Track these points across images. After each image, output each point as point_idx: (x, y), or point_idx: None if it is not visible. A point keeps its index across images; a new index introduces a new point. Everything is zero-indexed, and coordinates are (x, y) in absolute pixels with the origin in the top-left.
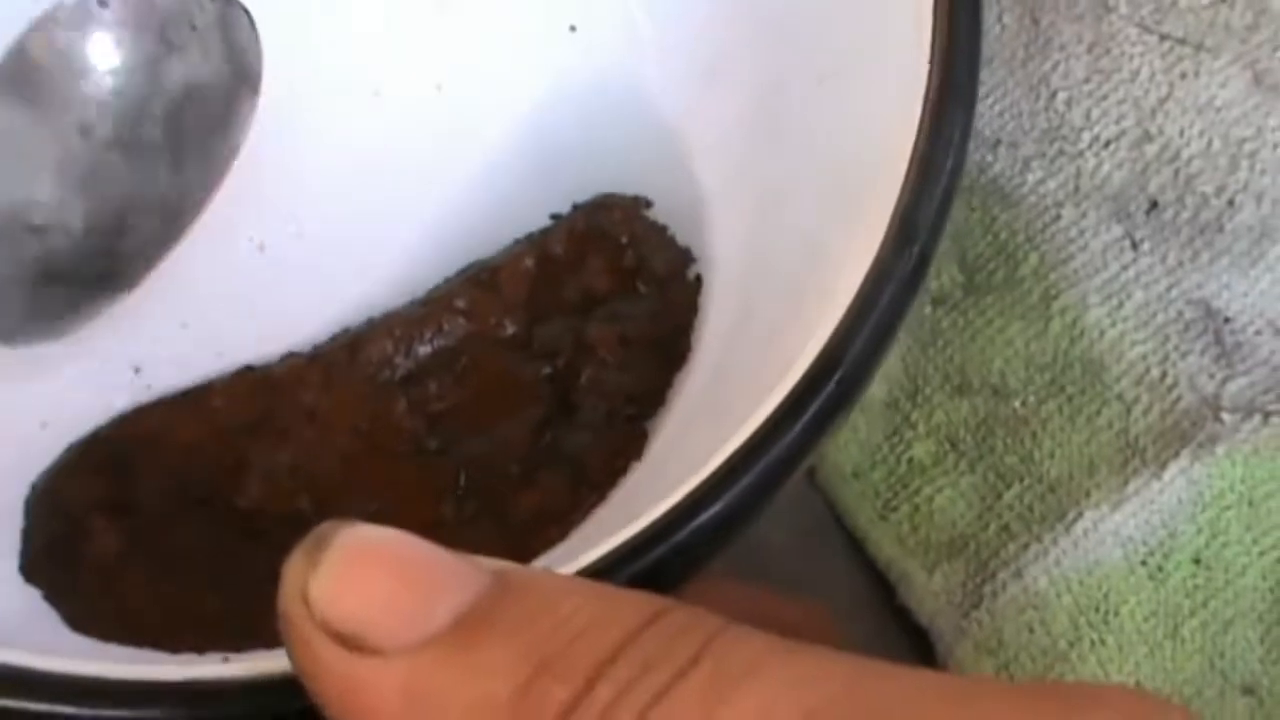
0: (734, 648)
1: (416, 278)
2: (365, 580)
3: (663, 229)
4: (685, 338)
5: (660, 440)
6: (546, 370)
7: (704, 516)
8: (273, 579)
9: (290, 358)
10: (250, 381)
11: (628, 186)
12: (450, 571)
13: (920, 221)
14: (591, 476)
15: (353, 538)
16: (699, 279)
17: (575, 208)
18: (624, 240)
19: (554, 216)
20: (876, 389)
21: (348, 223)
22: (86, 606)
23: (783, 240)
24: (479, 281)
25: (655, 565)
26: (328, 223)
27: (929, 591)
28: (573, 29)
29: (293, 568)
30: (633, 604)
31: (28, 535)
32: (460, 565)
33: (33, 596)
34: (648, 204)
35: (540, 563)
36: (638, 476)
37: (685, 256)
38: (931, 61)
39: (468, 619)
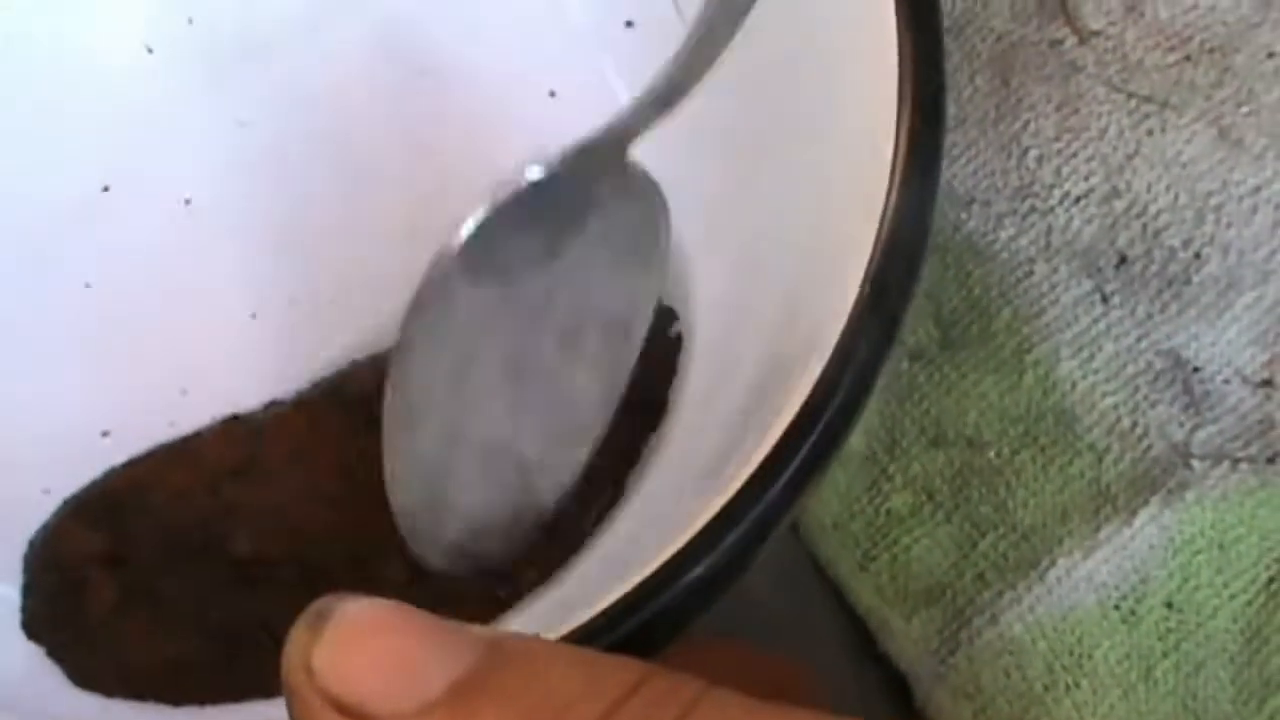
0: (716, 713)
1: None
2: (364, 652)
3: None
4: (663, 395)
5: (641, 495)
6: None
7: (688, 577)
8: (266, 627)
9: (273, 405)
10: (236, 429)
11: None
12: (445, 641)
13: (890, 284)
14: (569, 527)
15: (352, 610)
16: (679, 337)
17: None
18: None
19: None
20: (855, 442)
21: (336, 286)
22: (88, 662)
23: (760, 300)
24: None
25: (642, 626)
26: (320, 289)
27: (907, 639)
28: (552, 94)
29: (295, 640)
30: (618, 671)
31: (27, 592)
32: (454, 635)
33: (36, 654)
34: None
35: (531, 611)
36: (620, 530)
37: (667, 315)
38: (898, 128)
39: (462, 688)
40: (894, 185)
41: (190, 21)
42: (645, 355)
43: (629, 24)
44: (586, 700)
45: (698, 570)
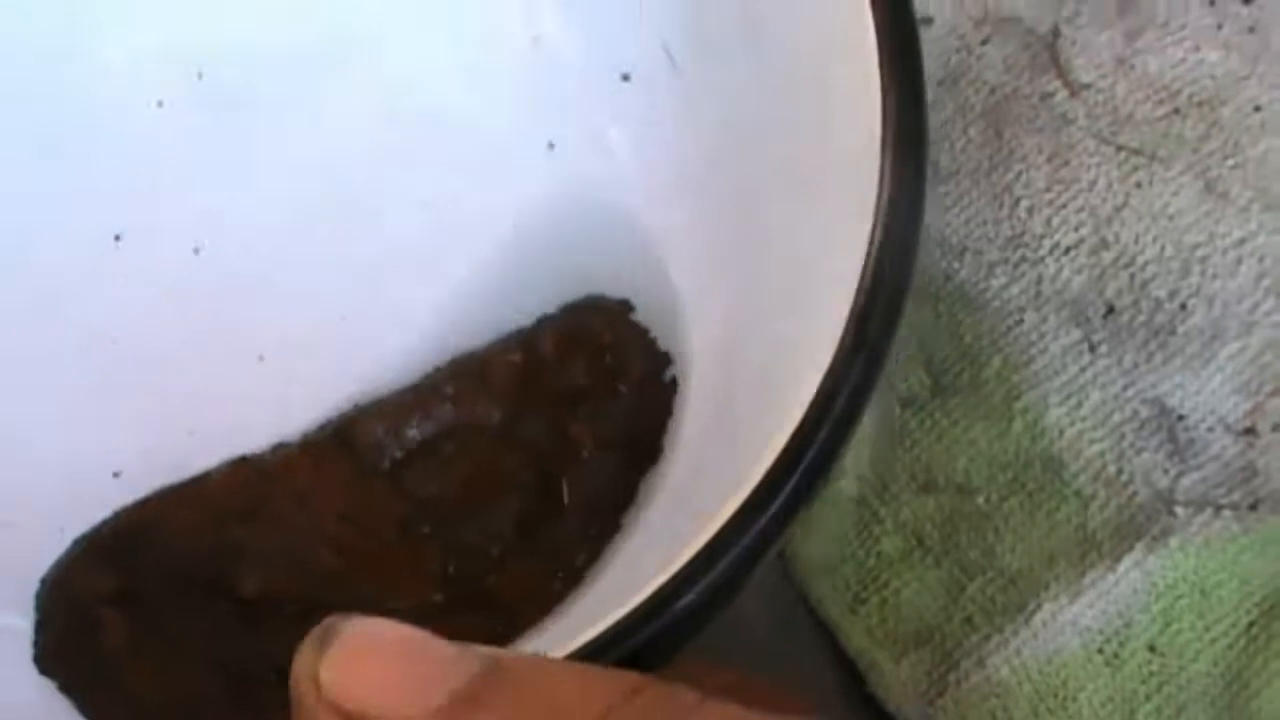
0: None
1: (406, 376)
2: (369, 665)
3: (645, 332)
4: (658, 437)
5: (640, 533)
6: (529, 461)
7: (679, 604)
8: (273, 665)
9: (280, 448)
10: (244, 471)
11: (612, 289)
12: (445, 656)
13: (871, 328)
14: (569, 564)
15: (358, 627)
16: (674, 381)
17: (565, 308)
18: (607, 341)
19: (543, 318)
20: (847, 486)
21: (344, 333)
22: (100, 698)
23: (751, 344)
24: (467, 372)
25: (636, 649)
26: (325, 333)
27: (896, 680)
28: (551, 146)
29: (304, 655)
30: (613, 680)
31: (40, 628)
32: (454, 650)
33: (48, 688)
34: (631, 308)
35: (527, 645)
36: (618, 566)
37: (663, 360)
38: (881, 179)
39: (462, 698)
40: (876, 232)
41: (200, 76)
42: (643, 400)
43: (625, 77)
44: (585, 703)
45: (689, 597)
